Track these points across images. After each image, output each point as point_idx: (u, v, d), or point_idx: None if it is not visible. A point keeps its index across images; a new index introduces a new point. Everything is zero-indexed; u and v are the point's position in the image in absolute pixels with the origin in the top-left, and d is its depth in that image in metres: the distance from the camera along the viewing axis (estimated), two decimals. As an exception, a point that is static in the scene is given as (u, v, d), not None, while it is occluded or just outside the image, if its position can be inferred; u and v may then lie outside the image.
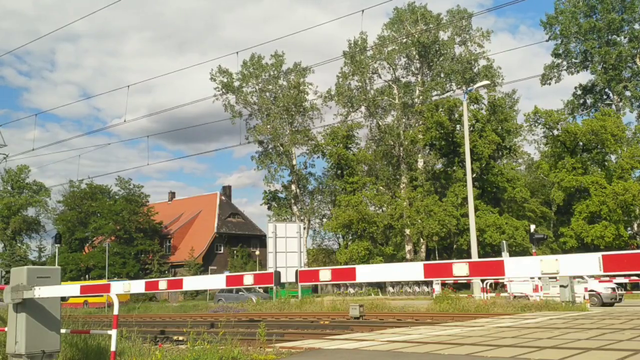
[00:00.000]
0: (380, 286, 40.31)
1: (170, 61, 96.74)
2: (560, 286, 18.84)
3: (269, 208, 52.96)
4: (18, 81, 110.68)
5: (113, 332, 5.76)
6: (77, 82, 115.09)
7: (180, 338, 11.99)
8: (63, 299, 6.87)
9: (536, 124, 46.80)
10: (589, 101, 48.83)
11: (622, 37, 45.21)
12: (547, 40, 46.93)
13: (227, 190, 66.54)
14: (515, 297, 21.77)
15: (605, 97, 47.93)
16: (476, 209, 33.93)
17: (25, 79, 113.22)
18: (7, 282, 6.27)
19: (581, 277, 20.48)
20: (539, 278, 19.70)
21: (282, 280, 8.92)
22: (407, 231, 44.32)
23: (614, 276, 21.02)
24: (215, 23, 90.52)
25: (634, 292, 28.99)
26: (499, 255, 31.31)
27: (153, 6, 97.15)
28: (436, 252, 46.13)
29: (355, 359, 7.37)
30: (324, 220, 53.33)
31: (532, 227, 29.80)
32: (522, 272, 3.36)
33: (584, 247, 39.02)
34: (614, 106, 45.58)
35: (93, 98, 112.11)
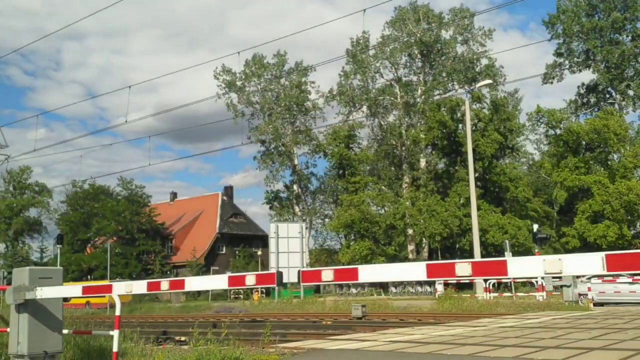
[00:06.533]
0: (383, 286, 40.26)
1: (178, 60, 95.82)
2: (562, 286, 18.83)
3: (270, 208, 52.95)
4: (23, 81, 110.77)
5: (115, 333, 5.75)
6: (83, 81, 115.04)
7: (183, 339, 11.97)
8: (65, 299, 6.88)
9: (539, 123, 46.77)
10: (592, 100, 48.70)
11: (625, 36, 45.07)
12: (549, 40, 46.83)
13: (228, 191, 66.54)
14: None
15: (608, 96, 47.80)
16: (479, 209, 33.87)
17: (30, 79, 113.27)
18: (9, 283, 6.27)
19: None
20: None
21: (285, 280, 8.91)
22: (410, 231, 44.24)
23: (617, 275, 20.92)
24: (225, 21, 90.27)
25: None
26: (502, 255, 31.25)
27: (161, 4, 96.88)
28: (438, 252, 46.04)
29: (357, 359, 7.35)
30: (326, 220, 53.25)
31: (535, 226, 29.69)
32: (525, 272, 3.34)
33: (586, 246, 38.88)
34: (616, 105, 45.45)
35: (98, 97, 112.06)
